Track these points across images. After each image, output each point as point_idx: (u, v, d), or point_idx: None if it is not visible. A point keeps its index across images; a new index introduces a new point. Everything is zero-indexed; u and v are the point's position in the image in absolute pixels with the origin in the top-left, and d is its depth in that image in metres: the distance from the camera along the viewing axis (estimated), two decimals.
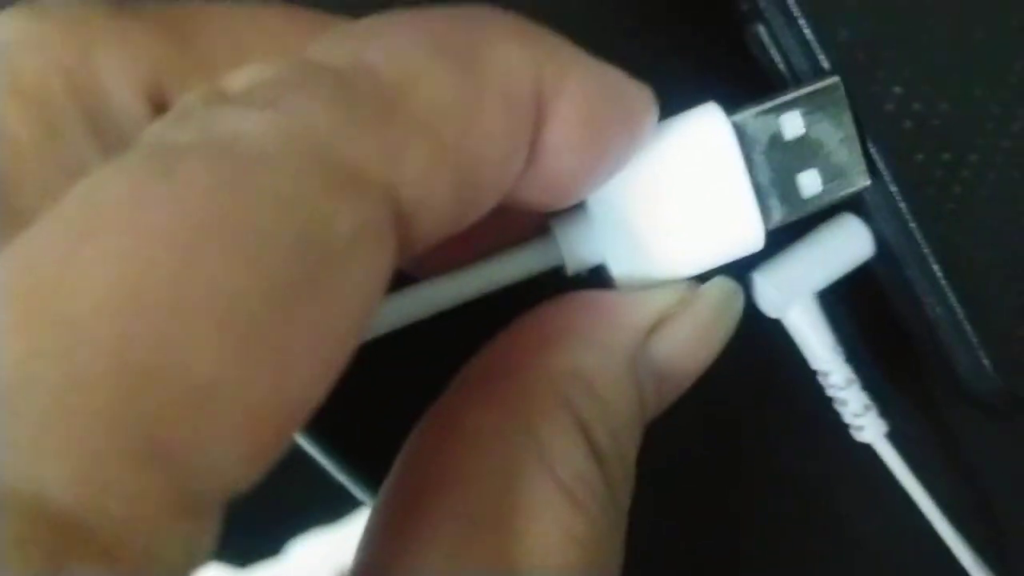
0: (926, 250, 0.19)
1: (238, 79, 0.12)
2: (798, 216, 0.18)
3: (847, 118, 0.18)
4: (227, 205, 0.10)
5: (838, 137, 0.18)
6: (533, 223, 0.17)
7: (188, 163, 0.11)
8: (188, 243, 0.10)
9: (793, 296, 0.19)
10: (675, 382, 0.17)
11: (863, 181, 0.18)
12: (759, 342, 0.21)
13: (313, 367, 0.11)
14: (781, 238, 0.20)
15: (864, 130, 0.18)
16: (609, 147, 0.15)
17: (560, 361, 0.15)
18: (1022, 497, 0.23)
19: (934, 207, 0.19)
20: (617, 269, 0.17)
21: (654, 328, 0.16)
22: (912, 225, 0.19)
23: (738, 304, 0.17)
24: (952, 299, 0.19)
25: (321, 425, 0.20)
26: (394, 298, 0.16)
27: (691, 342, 0.17)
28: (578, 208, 0.17)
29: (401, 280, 0.16)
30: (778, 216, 0.18)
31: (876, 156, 0.18)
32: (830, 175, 0.18)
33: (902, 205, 0.19)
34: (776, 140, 0.17)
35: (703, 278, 0.17)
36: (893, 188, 0.18)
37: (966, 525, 0.21)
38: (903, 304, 0.20)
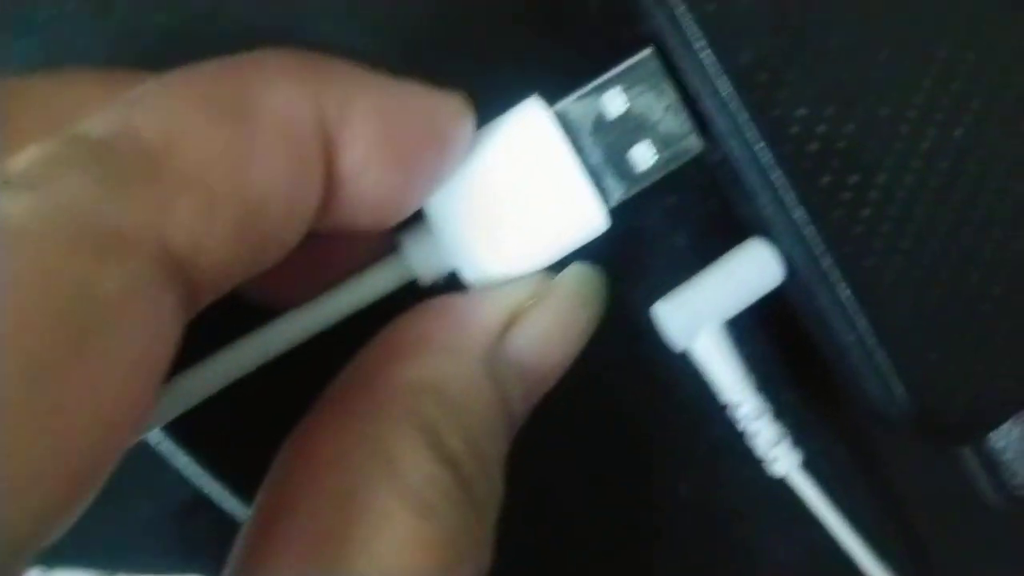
0: (834, 275, 0.18)
1: (19, 161, 0.12)
2: (639, 189, 0.18)
3: (667, 86, 0.18)
4: None
5: (662, 106, 0.18)
6: (384, 242, 0.18)
7: None
8: None
9: (697, 328, 0.18)
10: (541, 374, 0.17)
11: (696, 144, 0.18)
12: (671, 370, 0.20)
13: (92, 427, 0.11)
14: (685, 265, 0.19)
15: (769, 152, 0.18)
16: (418, 160, 0.16)
17: (408, 371, 0.16)
18: (945, 521, 0.22)
19: (842, 231, 0.18)
20: (469, 273, 0.17)
21: (509, 325, 0.17)
22: (819, 250, 0.18)
23: (598, 288, 0.18)
24: (863, 324, 0.18)
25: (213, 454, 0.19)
26: (252, 336, 0.16)
27: (550, 333, 0.17)
28: (422, 219, 0.17)
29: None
30: (618, 193, 0.18)
31: (780, 181, 0.18)
32: (662, 145, 0.18)
33: (808, 230, 0.18)
34: (601, 120, 0.18)
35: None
36: (799, 213, 0.18)
37: (889, 551, 0.21)
38: (815, 329, 0.19)
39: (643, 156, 0.18)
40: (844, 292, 0.18)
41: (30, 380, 0.11)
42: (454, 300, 0.17)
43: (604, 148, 0.18)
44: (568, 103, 0.18)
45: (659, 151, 0.18)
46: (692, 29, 0.17)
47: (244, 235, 0.14)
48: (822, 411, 0.22)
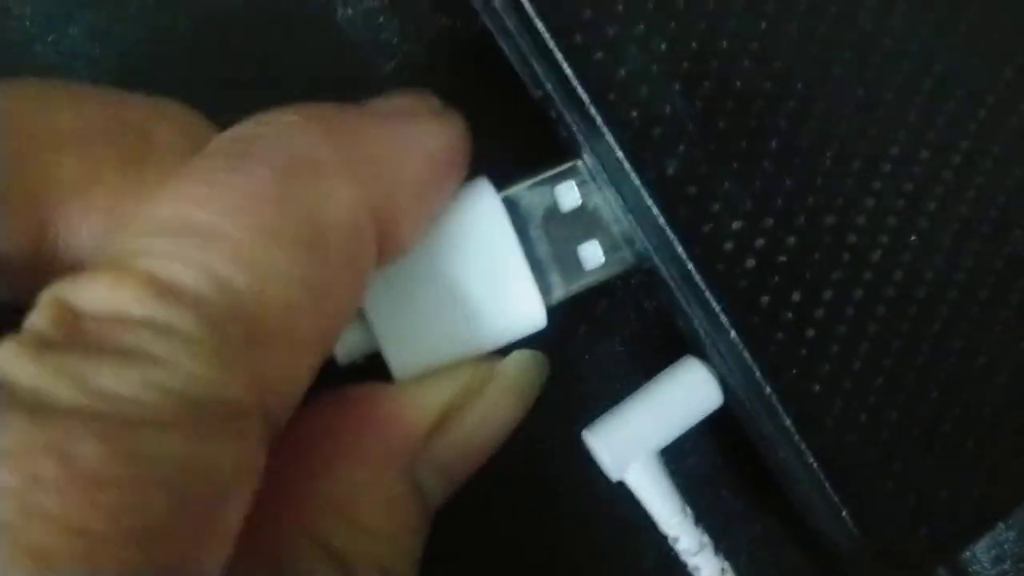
0: (775, 403, 0.16)
1: (92, 300, 0.12)
2: (581, 288, 0.17)
3: (607, 192, 0.17)
4: (123, 477, 0.11)
5: (617, 205, 0.17)
6: None
7: (74, 432, 0.11)
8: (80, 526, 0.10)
9: (630, 457, 0.17)
10: (468, 467, 0.17)
11: (629, 260, 0.17)
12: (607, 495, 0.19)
13: None
14: (619, 388, 0.18)
15: (701, 271, 0.16)
16: (437, 201, 0.16)
17: (319, 483, 0.15)
18: None
19: (784, 354, 0.16)
20: (394, 357, 0.16)
21: (437, 426, 0.16)
22: (759, 375, 0.16)
23: (537, 377, 0.17)
24: (807, 453, 0.17)
25: None
26: None
27: (481, 431, 0.16)
28: None
29: None
30: (560, 291, 0.17)
31: (713, 301, 0.16)
32: (612, 246, 0.17)
33: (747, 354, 0.16)
34: (553, 212, 0.17)
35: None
36: (735, 336, 0.16)
37: None
38: (760, 454, 0.18)
39: (592, 254, 0.17)
40: (786, 421, 0.16)
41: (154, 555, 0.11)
42: (378, 396, 0.16)
43: (552, 241, 0.17)
44: (520, 189, 0.17)
45: (608, 251, 0.17)
46: (613, 139, 0.16)
47: (319, 364, 0.14)
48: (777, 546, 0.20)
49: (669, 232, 0.16)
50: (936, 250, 0.17)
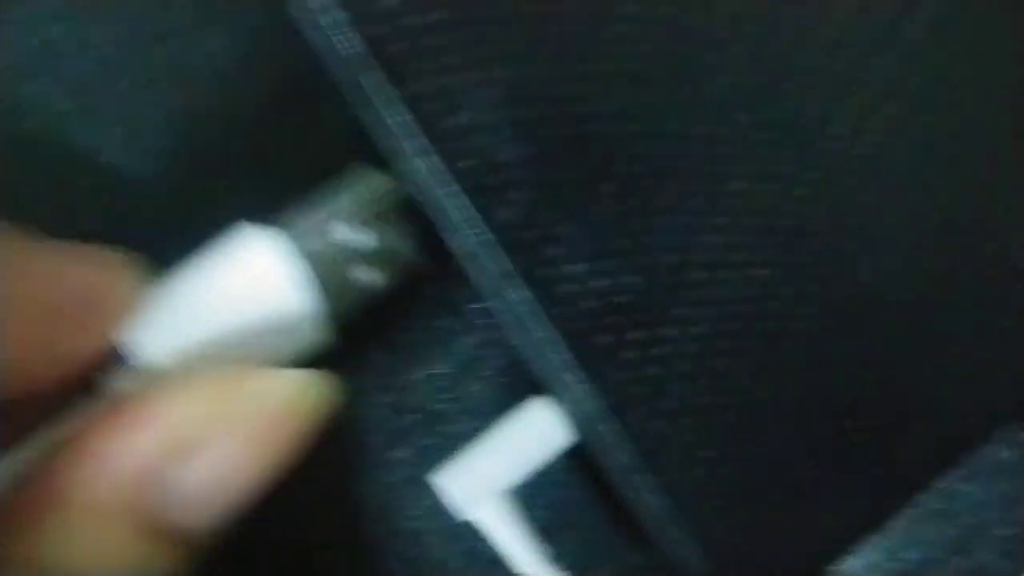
0: (619, 440, 0.17)
1: None
2: (359, 305, 0.17)
3: (387, 202, 0.17)
4: None
5: (386, 222, 0.17)
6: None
7: None
8: None
9: (479, 498, 0.17)
10: (224, 495, 0.15)
11: (416, 259, 0.17)
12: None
13: None
14: (466, 431, 0.18)
15: (542, 314, 0.16)
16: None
17: (31, 544, 0.14)
18: None
19: (627, 393, 0.16)
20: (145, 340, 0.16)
21: (180, 454, 0.14)
22: (603, 415, 0.16)
23: (311, 401, 0.16)
24: (655, 489, 0.17)
25: None
26: None
27: (235, 458, 0.15)
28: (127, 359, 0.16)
29: None
30: (338, 308, 0.17)
31: (554, 343, 0.16)
32: (384, 260, 0.17)
33: (588, 394, 0.16)
34: (326, 237, 0.17)
35: None
36: (578, 376, 0.16)
37: None
38: (612, 488, 0.18)
39: (366, 271, 0.17)
40: (633, 458, 0.17)
41: None
42: (107, 424, 0.15)
43: (327, 265, 0.17)
44: (292, 219, 0.17)
45: (381, 267, 0.17)
46: (448, 183, 0.16)
47: None
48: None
49: (508, 276, 0.16)
50: (782, 283, 0.17)
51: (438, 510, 0.18)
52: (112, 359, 0.16)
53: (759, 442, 0.17)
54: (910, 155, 0.17)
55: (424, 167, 0.16)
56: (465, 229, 0.16)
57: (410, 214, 0.17)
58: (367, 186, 0.17)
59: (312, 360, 0.17)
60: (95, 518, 0.14)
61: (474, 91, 0.16)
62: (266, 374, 0.15)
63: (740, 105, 0.17)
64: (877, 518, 0.18)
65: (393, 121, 0.16)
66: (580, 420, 0.17)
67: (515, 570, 0.18)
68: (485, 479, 0.17)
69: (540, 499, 0.18)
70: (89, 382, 0.16)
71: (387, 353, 0.19)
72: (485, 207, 0.16)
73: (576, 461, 0.18)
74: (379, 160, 0.17)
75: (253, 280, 0.16)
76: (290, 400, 0.15)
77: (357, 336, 0.18)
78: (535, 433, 0.17)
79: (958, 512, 0.19)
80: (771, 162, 0.17)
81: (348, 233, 0.17)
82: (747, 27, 0.16)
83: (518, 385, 0.19)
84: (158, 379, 0.15)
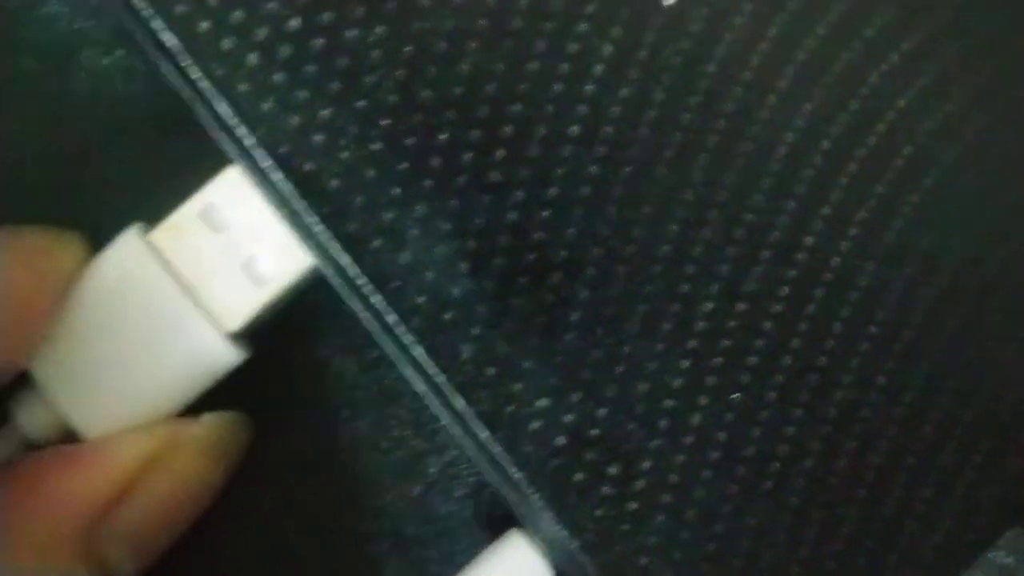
0: None
1: None
2: (262, 308, 0.16)
3: (259, 201, 0.16)
4: None
5: (264, 218, 0.16)
6: None
7: None
8: None
9: None
10: (156, 536, 0.16)
11: (307, 260, 0.16)
12: None
13: None
14: (461, 549, 0.17)
15: (508, 455, 0.15)
16: (31, 321, 0.15)
17: None
18: None
19: (605, 531, 0.15)
20: (85, 429, 0.16)
21: (120, 494, 0.15)
22: (581, 554, 0.15)
23: (234, 439, 0.17)
24: None
25: None
26: None
27: (169, 497, 0.16)
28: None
29: None
30: (240, 320, 0.16)
31: (527, 484, 0.15)
32: (273, 260, 0.16)
33: (565, 533, 0.15)
34: (205, 242, 0.16)
35: None
36: (552, 516, 0.15)
37: None
38: None
39: (259, 273, 0.16)
40: None
41: None
42: (51, 467, 0.15)
43: (213, 269, 0.16)
44: (162, 230, 0.16)
45: (271, 267, 0.16)
46: (401, 326, 0.15)
47: None
48: None
49: (471, 418, 0.15)
50: (760, 407, 0.16)
51: None
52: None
53: (750, 573, 0.16)
54: (881, 267, 0.16)
55: (372, 309, 0.15)
56: (422, 369, 0.15)
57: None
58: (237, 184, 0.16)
59: None
60: (40, 557, 0.14)
61: (419, 225, 0.15)
62: (193, 421, 0.16)
63: (706, 220, 0.16)
64: None
65: (332, 263, 0.15)
66: (559, 559, 0.16)
67: None
68: None
69: None
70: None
71: (357, 473, 0.18)
72: (442, 345, 0.15)
73: None
74: None
75: (135, 293, 0.16)
76: (215, 438, 0.16)
77: (326, 456, 0.17)
78: (515, 570, 0.16)
79: None
80: (742, 280, 0.16)
81: (230, 229, 0.16)
82: (710, 138, 0.15)
83: (494, 503, 0.18)
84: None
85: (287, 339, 0.18)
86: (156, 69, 0.15)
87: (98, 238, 0.16)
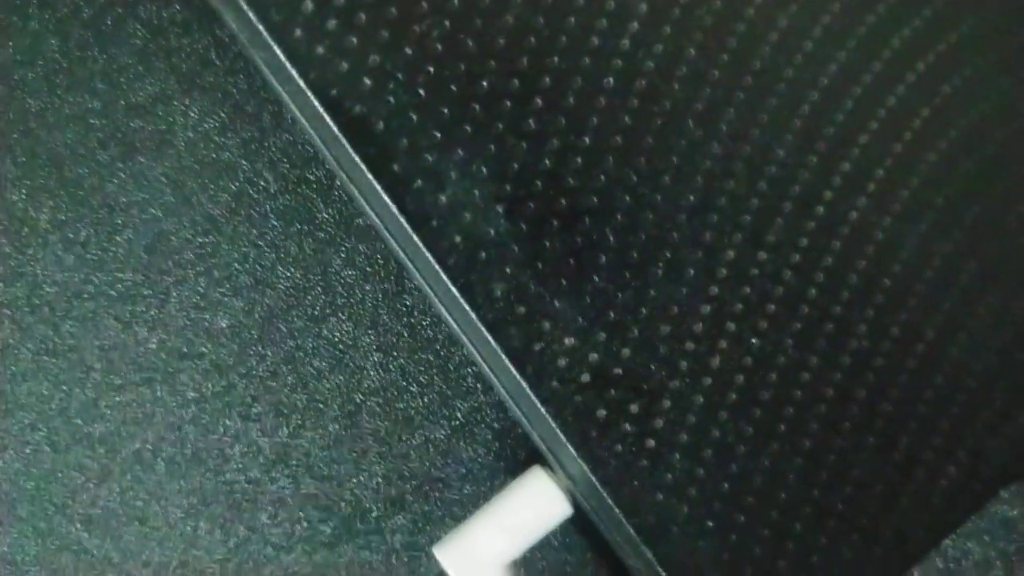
0: (620, 513, 0.16)
1: None
2: None
3: None
4: None
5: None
6: None
7: None
8: None
9: (478, 570, 0.17)
10: None
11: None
12: None
13: None
14: (483, 492, 0.18)
15: (533, 391, 0.16)
16: None
17: None
18: None
19: (624, 466, 0.16)
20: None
21: None
22: (600, 488, 0.16)
23: None
24: (653, 561, 0.17)
25: None
26: None
27: None
28: None
29: None
30: None
31: (552, 418, 0.16)
32: None
33: (587, 468, 0.16)
34: None
35: None
36: (574, 450, 0.16)
37: None
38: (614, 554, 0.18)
39: None
40: (631, 531, 0.16)
41: None
42: None
43: None
44: None
45: None
46: (436, 263, 0.16)
47: None
48: None
49: (501, 353, 0.16)
50: (778, 352, 0.17)
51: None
52: None
53: (762, 512, 0.17)
54: (897, 222, 0.17)
55: (411, 245, 0.16)
56: (457, 306, 0.16)
57: None
58: None
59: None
60: None
61: (459, 168, 0.16)
62: None
63: (731, 173, 0.16)
64: None
65: (377, 201, 0.16)
66: (580, 491, 0.17)
67: None
68: (484, 552, 0.17)
69: (540, 563, 0.18)
70: None
71: (385, 420, 0.19)
72: (476, 283, 0.16)
73: (577, 526, 0.18)
74: None
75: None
76: None
77: (354, 405, 0.18)
78: (534, 507, 0.17)
79: (964, 572, 0.19)
80: (764, 230, 0.16)
81: None
82: (737, 94, 0.16)
83: (518, 449, 0.19)
84: None
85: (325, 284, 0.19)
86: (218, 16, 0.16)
87: None
